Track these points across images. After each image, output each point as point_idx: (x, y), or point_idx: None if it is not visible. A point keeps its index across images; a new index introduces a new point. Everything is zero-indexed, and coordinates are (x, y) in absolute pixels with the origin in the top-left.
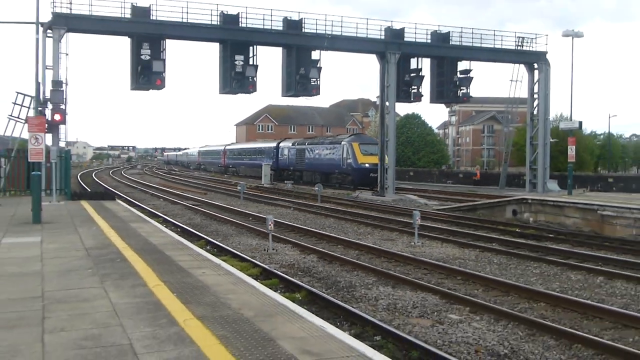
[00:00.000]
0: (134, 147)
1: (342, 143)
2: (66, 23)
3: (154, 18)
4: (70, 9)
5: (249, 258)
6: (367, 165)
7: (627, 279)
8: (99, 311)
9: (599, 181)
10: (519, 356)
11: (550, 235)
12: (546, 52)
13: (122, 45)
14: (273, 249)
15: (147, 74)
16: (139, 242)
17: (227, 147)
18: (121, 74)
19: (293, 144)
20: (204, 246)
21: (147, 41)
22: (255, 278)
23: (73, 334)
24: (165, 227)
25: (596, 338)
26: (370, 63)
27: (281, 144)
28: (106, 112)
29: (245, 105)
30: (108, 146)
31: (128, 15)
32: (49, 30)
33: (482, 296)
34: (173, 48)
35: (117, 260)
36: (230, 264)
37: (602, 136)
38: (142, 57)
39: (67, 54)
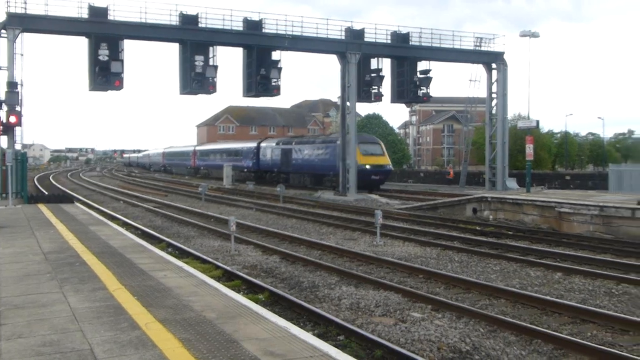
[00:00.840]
0: (92, 149)
1: (338, 142)
2: (21, 23)
3: (112, 18)
4: (25, 9)
5: (211, 260)
6: (368, 166)
7: (584, 275)
8: (58, 316)
9: (556, 179)
10: (481, 352)
11: (510, 233)
12: (504, 53)
13: (79, 45)
14: (235, 251)
15: (105, 75)
16: (99, 245)
17: (198, 148)
18: (79, 75)
19: (277, 144)
20: (165, 249)
21: (105, 41)
22: (218, 280)
23: (31, 340)
24: (126, 229)
25: (555, 333)
26: (331, 63)
27: (262, 144)
28: (64, 113)
29: (206, 106)
30: (66, 148)
31: (85, 16)
32: (3, 31)
33: (444, 294)
34: (132, 48)
35: (76, 264)
36: (192, 266)
37: (559, 135)
38: (100, 57)
39: (22, 55)
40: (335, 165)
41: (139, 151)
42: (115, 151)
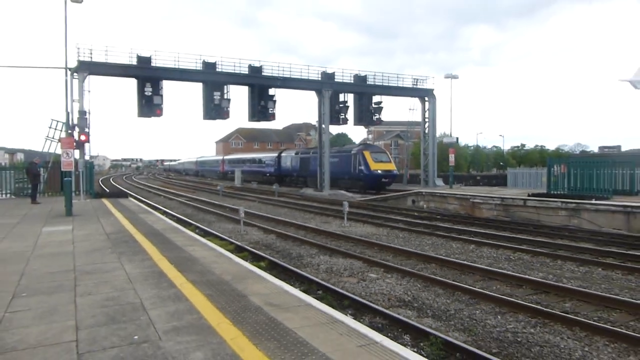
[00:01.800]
0: (141, 159)
1: (353, 152)
2: (88, 68)
3: (154, 65)
4: (91, 57)
5: (227, 238)
6: (379, 171)
7: (491, 246)
8: (117, 279)
9: (470, 179)
10: (418, 301)
11: (438, 217)
12: (433, 89)
13: (131, 82)
14: (244, 231)
15: (149, 106)
16: (146, 228)
17: (226, 157)
18: (131, 104)
19: (296, 153)
20: (194, 230)
21: (149, 81)
22: (232, 252)
23: (98, 296)
24: (165, 217)
25: (471, 287)
26: (311, 96)
27: (283, 154)
28: (121, 132)
29: (222, 127)
30: (122, 158)
31: (134, 62)
32: (75, 73)
33: (393, 261)
34: (169, 85)
35: (130, 242)
36: (214, 243)
37: (472, 147)
38: (146, 93)
39: (89, 91)
40: (350, 170)
41: (174, 160)
42: (157, 160)
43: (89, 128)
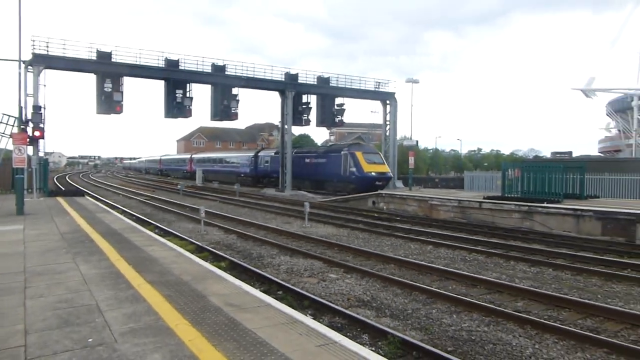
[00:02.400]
0: (99, 157)
1: (343, 152)
2: (44, 62)
3: (114, 60)
4: (47, 50)
5: (187, 238)
6: (373, 174)
7: (447, 247)
8: (72, 280)
9: (429, 181)
10: (377, 301)
11: (397, 218)
12: (394, 93)
13: (90, 78)
14: (204, 231)
15: (108, 102)
16: (103, 228)
17: (194, 156)
18: (89, 99)
19: (276, 154)
20: (153, 230)
21: (109, 77)
22: (192, 252)
23: (50, 298)
24: (124, 216)
25: (428, 287)
26: (274, 97)
27: (260, 154)
28: (77, 129)
29: (183, 126)
30: (79, 155)
31: (94, 57)
32: (30, 67)
33: (353, 261)
34: (130, 82)
35: (86, 242)
36: (173, 243)
37: (431, 150)
38: (105, 89)
39: (44, 85)
40: (339, 172)
41: (135, 158)
42: (116, 158)
43: (43, 124)
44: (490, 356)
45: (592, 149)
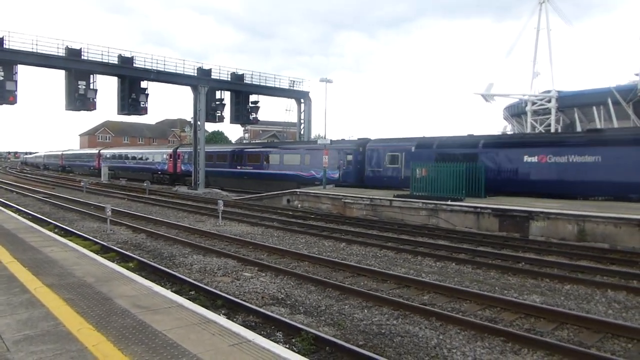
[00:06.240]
0: None
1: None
2: None
3: (7, 47)
4: None
5: (91, 238)
6: None
7: (360, 244)
8: None
9: None
10: (291, 298)
11: (312, 216)
12: (309, 92)
13: None
14: (111, 230)
15: (1, 92)
16: None
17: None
18: None
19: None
20: (52, 229)
21: (1, 65)
22: (97, 253)
23: None
24: (18, 215)
25: (340, 284)
26: (186, 92)
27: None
28: None
29: (87, 119)
30: None
31: None
32: None
33: (267, 259)
34: (25, 71)
35: None
36: (76, 243)
37: None
38: None
39: None
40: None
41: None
42: (9, 152)
43: None
44: (399, 348)
45: None
